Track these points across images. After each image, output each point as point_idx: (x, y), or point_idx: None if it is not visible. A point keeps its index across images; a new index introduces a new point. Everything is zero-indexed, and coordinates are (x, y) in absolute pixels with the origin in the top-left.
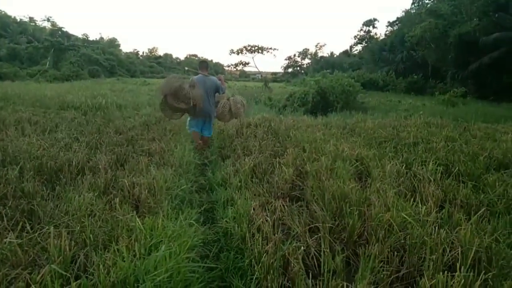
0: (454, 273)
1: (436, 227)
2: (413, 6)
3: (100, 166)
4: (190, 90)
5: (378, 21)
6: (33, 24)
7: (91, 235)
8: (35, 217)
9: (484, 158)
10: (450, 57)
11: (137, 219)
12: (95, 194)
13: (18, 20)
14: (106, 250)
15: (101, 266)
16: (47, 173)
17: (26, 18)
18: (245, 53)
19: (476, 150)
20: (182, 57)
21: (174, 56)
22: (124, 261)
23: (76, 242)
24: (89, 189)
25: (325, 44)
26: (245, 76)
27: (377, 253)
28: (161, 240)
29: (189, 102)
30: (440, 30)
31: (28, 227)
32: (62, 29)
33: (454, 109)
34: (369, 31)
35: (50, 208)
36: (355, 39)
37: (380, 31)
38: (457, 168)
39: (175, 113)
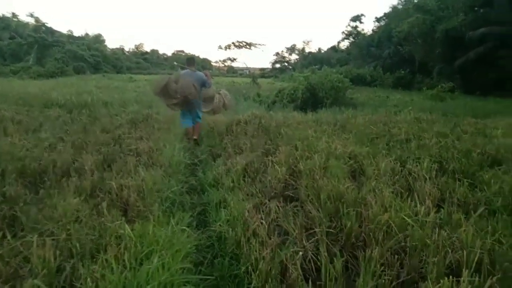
0: (456, 276)
1: (436, 228)
2: (400, 1)
3: (86, 167)
4: (176, 85)
5: (365, 17)
6: (16, 19)
7: (77, 244)
8: (18, 223)
9: (477, 154)
10: (437, 52)
11: (126, 226)
12: (81, 198)
13: (0, 15)
14: (94, 260)
15: (88, 279)
16: (30, 176)
17: (9, 13)
18: (233, 48)
19: (468, 146)
20: (169, 53)
21: (161, 52)
22: (113, 274)
23: (61, 252)
24: (75, 192)
25: (312, 40)
26: (232, 72)
27: (378, 256)
28: (153, 249)
29: (177, 96)
30: (427, 26)
31: (9, 237)
32: (46, 24)
33: (442, 104)
34: (356, 27)
35: (33, 213)
36: (342, 34)
37: (368, 26)
38: (451, 165)
39: (176, 106)
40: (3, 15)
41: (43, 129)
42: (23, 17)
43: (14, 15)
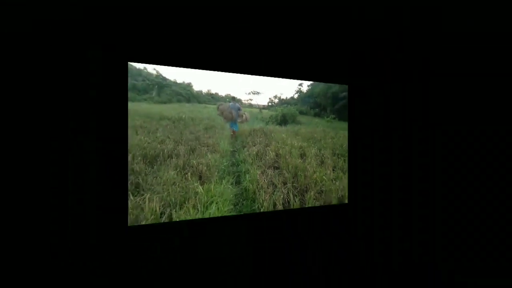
0: None
1: None
2: None
3: (180, 153)
4: (221, 107)
5: None
6: (146, 70)
7: (172, 198)
8: (140, 187)
9: None
10: None
11: (200, 186)
12: (177, 171)
13: (137, 68)
14: (181, 207)
15: (177, 219)
16: (149, 158)
17: (142, 67)
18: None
19: None
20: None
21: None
22: (190, 216)
23: (163, 204)
24: (174, 168)
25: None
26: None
27: None
28: (213, 199)
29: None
30: None
31: (131, 197)
32: (161, 74)
33: None
34: None
35: (149, 180)
36: None
37: None
38: None
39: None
40: (139, 68)
41: (158, 131)
42: (150, 70)
43: (145, 68)
